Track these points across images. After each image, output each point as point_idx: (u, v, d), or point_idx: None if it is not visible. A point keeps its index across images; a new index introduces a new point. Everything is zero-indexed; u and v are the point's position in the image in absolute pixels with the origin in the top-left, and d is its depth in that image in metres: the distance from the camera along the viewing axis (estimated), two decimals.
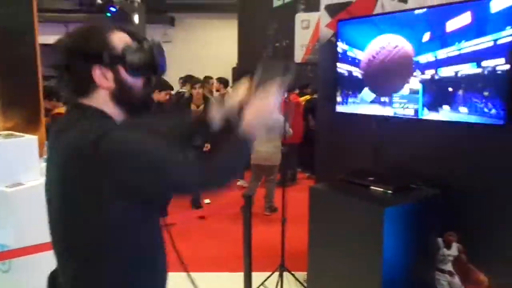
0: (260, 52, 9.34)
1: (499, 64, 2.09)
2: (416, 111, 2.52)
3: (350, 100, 2.95)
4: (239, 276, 2.94)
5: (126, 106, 1.14)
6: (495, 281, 2.36)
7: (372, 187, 2.57)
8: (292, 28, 8.60)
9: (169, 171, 1.07)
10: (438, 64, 2.37)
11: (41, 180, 2.60)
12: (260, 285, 3.30)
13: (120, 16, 11.73)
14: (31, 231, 2.33)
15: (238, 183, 5.69)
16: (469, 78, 2.23)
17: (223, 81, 7.45)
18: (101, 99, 1.11)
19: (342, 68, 2.96)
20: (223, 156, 1.16)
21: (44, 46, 3.67)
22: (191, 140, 1.40)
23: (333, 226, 2.61)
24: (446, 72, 2.33)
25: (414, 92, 2.53)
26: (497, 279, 2.35)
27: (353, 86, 2.92)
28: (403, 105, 2.61)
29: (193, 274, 1.45)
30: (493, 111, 2.16)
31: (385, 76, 2.71)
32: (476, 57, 2.18)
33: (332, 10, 3.26)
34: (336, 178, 2.77)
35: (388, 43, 2.63)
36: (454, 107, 2.33)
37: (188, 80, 6.51)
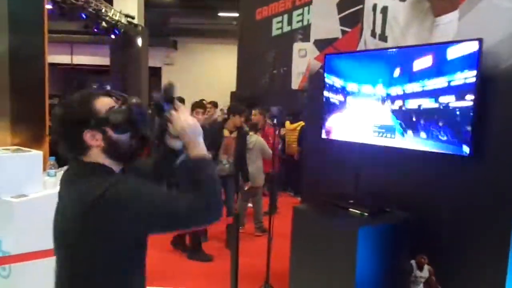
0: (258, 78, 9.65)
1: (468, 100, 2.31)
2: (392, 140, 2.75)
3: (334, 127, 3.18)
4: None
5: (116, 158, 1.32)
6: None
7: (350, 209, 2.77)
8: (290, 56, 8.94)
9: (176, 208, 1.22)
10: (406, 96, 2.61)
11: (43, 192, 2.81)
12: None
13: (123, 39, 12.09)
14: (33, 239, 2.51)
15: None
16: (441, 112, 2.45)
17: (213, 104, 7.75)
18: (96, 156, 1.29)
19: (328, 97, 3.20)
20: (211, 179, 1.29)
21: (50, 65, 3.92)
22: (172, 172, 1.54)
23: (313, 245, 2.79)
24: (414, 104, 2.57)
25: (389, 122, 2.76)
26: None
27: (337, 114, 3.15)
28: (380, 134, 2.84)
29: None
30: (460, 143, 2.38)
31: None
32: (441, 94, 2.42)
33: (320, 44, 3.54)
34: (319, 200, 2.97)
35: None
36: (426, 138, 2.55)
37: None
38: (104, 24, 10.58)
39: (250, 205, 5.51)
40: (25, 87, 3.26)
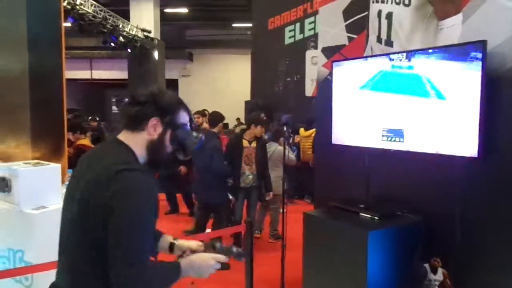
0: (272, 86, 9.73)
1: (474, 102, 2.31)
2: (401, 144, 2.76)
3: (343, 132, 3.21)
4: None
5: (150, 156, 1.41)
6: None
7: (361, 214, 2.79)
8: (303, 64, 9.00)
9: (123, 252, 1.23)
10: (412, 98, 2.63)
11: (62, 204, 2.92)
12: None
13: (140, 53, 12.38)
14: (53, 249, 2.60)
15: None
16: (448, 114, 2.46)
17: (201, 113, 7.69)
18: (139, 141, 1.40)
19: (337, 103, 3.23)
20: (157, 276, 1.34)
21: (71, 81, 4.07)
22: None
23: (324, 250, 2.82)
24: (421, 106, 2.58)
25: (398, 126, 2.77)
26: None
27: (346, 119, 3.18)
28: (389, 138, 2.86)
29: None
30: (468, 145, 2.38)
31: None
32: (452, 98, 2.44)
33: (327, 52, 3.58)
34: (329, 205, 3.00)
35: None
36: (435, 141, 2.56)
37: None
38: (121, 39, 10.87)
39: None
40: (44, 103, 3.40)
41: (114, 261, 1.23)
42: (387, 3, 3.01)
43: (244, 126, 5.36)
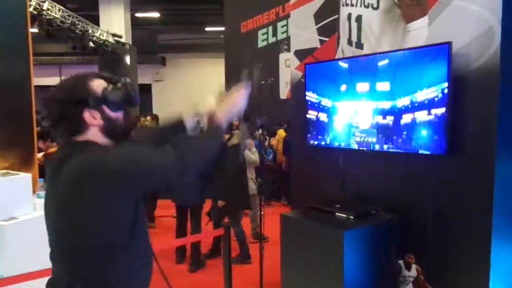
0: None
1: (441, 101, 2.40)
2: (374, 144, 2.82)
3: (317, 134, 3.26)
4: None
5: (113, 136, 1.39)
6: None
7: (336, 214, 2.83)
8: (277, 67, 9.07)
9: (154, 162, 1.30)
10: (383, 98, 2.70)
11: (34, 214, 2.85)
12: None
13: (112, 58, 12.18)
14: (25, 261, 2.54)
15: None
16: (417, 112, 2.54)
17: (154, 117, 7.73)
18: (93, 134, 1.36)
19: (310, 105, 3.27)
20: (197, 141, 1.45)
21: (39, 88, 3.97)
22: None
23: (302, 250, 2.84)
24: (392, 105, 2.66)
25: (372, 127, 2.83)
26: None
27: (320, 121, 3.23)
28: (362, 138, 2.92)
29: None
30: (437, 143, 2.46)
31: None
32: (420, 98, 2.51)
33: (300, 54, 3.63)
34: (305, 206, 3.03)
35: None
36: (405, 140, 2.63)
37: None
38: (91, 44, 10.67)
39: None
40: (13, 112, 3.31)
41: (167, 173, 1.32)
42: (356, 6, 3.08)
43: None
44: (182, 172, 1.33)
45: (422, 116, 2.51)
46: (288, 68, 8.72)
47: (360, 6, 3.04)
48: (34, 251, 2.16)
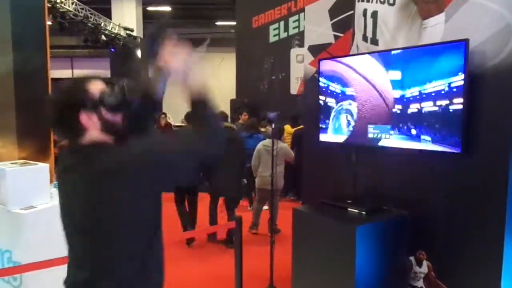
0: (257, 85, 9.76)
1: (457, 99, 2.40)
2: (387, 140, 2.83)
3: (330, 130, 3.27)
4: None
5: (113, 135, 1.39)
6: None
7: (349, 209, 2.85)
8: (288, 62, 9.05)
9: (188, 146, 1.34)
10: (398, 97, 2.70)
11: (51, 203, 2.90)
12: None
13: (123, 52, 12.26)
14: (42, 249, 2.60)
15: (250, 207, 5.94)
16: (432, 111, 2.54)
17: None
18: (95, 135, 1.35)
19: (324, 101, 3.29)
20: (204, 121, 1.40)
21: (52, 80, 4.02)
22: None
23: (313, 245, 2.87)
24: (407, 104, 2.66)
25: (384, 123, 2.84)
26: None
27: (333, 116, 3.24)
28: (376, 134, 2.92)
29: None
30: (452, 141, 2.46)
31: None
32: (435, 96, 2.51)
33: (314, 50, 3.63)
34: (318, 201, 3.05)
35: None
36: (420, 137, 2.63)
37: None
38: (103, 37, 10.75)
39: (266, 207, 5.77)
40: (30, 103, 3.36)
41: (193, 157, 1.34)
42: (372, 2, 3.08)
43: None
44: (207, 140, 1.35)
45: (437, 113, 2.51)
46: (299, 64, 8.77)
47: (376, 2, 3.04)
48: (51, 239, 2.21)
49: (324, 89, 3.29)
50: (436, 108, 2.51)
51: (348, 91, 3.09)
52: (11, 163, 2.90)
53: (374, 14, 3.06)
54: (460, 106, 2.38)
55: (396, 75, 2.73)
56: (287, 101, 8.69)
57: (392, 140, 2.80)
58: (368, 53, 3.02)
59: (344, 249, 2.60)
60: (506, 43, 2.30)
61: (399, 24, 2.89)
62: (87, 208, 1.33)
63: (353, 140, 3.09)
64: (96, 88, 1.37)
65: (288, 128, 7.46)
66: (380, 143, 2.88)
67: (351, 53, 3.28)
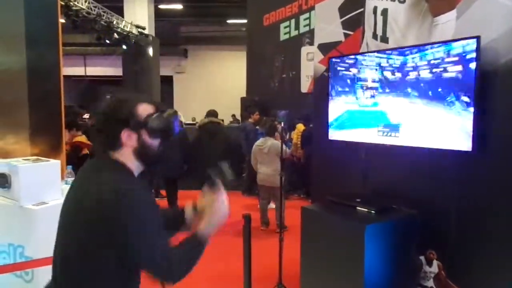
0: (268, 82, 9.76)
1: (468, 97, 2.36)
2: (396, 139, 2.81)
3: (340, 128, 3.25)
4: None
5: (143, 161, 1.44)
6: None
7: (358, 208, 2.84)
8: (298, 60, 9.04)
9: (155, 254, 1.33)
10: (407, 95, 2.68)
11: (62, 199, 2.93)
12: None
13: (135, 50, 12.34)
14: (52, 244, 2.63)
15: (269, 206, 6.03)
16: (443, 109, 2.50)
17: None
18: (126, 155, 1.41)
19: (333, 99, 3.27)
20: (186, 256, 1.45)
21: (65, 77, 4.08)
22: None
23: (322, 243, 2.86)
24: (416, 103, 2.63)
25: (393, 121, 2.82)
26: None
27: (343, 115, 3.23)
28: (385, 133, 2.90)
29: None
30: (464, 139, 2.43)
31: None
32: (442, 90, 2.49)
33: (324, 48, 3.62)
34: (327, 200, 3.04)
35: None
36: (430, 136, 2.60)
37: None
38: (116, 35, 10.84)
39: (273, 206, 5.95)
40: (42, 100, 3.41)
41: (150, 264, 1.35)
42: None
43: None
44: (170, 275, 1.40)
45: (448, 111, 2.48)
46: (310, 62, 8.73)
47: None
48: None
49: (333, 87, 3.27)
50: (447, 105, 2.48)
51: (358, 89, 3.06)
52: (23, 159, 2.94)
53: (384, 12, 3.04)
54: (471, 104, 2.35)
55: (406, 74, 2.70)
56: (298, 99, 8.68)
57: (402, 138, 2.77)
58: (377, 51, 2.99)
59: (353, 248, 2.59)
60: None
61: (409, 22, 2.86)
62: (63, 216, 1.44)
63: (362, 139, 3.07)
64: (144, 110, 1.42)
65: (300, 127, 7.45)
66: (389, 142, 2.86)
67: (361, 51, 3.26)
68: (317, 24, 3.78)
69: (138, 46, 12.43)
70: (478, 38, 2.32)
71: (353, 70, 3.09)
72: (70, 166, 3.25)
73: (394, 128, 2.82)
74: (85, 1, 9.27)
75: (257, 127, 7.58)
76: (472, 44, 2.34)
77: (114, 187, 1.30)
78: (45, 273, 2.70)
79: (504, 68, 2.34)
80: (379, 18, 3.08)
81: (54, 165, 2.94)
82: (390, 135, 2.86)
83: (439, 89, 2.50)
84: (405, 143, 2.75)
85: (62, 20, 8.51)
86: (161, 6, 14.30)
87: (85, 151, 4.82)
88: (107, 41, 10.85)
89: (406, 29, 2.89)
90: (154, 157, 1.45)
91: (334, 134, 3.29)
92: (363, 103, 3.03)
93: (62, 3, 8.24)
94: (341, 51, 3.43)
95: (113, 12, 10.71)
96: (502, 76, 2.36)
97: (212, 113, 6.22)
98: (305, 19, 8.95)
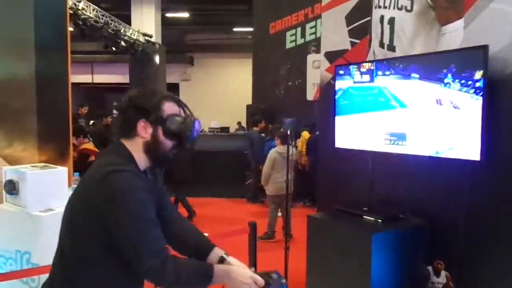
0: (274, 90, 9.77)
1: (476, 107, 2.34)
2: (403, 148, 2.79)
3: (346, 136, 3.24)
4: None
5: (151, 157, 1.42)
6: None
7: (364, 216, 2.82)
8: (304, 68, 9.05)
9: (141, 241, 1.26)
10: (415, 103, 2.66)
11: None
12: None
13: (142, 57, 12.42)
14: None
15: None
16: (451, 118, 2.49)
17: None
18: (136, 145, 1.40)
19: (340, 107, 3.26)
20: (188, 270, 1.34)
21: (73, 85, 4.11)
22: None
23: (328, 252, 2.85)
24: (424, 111, 2.62)
25: (401, 130, 2.81)
26: None
27: (349, 123, 3.22)
28: (392, 141, 2.89)
29: None
30: (472, 149, 2.41)
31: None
32: (450, 100, 2.47)
33: (330, 56, 3.63)
34: (333, 208, 3.03)
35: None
36: (437, 145, 2.59)
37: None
38: (123, 43, 10.92)
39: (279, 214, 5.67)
40: (51, 107, 3.44)
41: (135, 257, 1.27)
42: (389, 8, 3.06)
43: None
44: (159, 275, 1.29)
45: (456, 120, 2.46)
46: (316, 70, 8.74)
47: (394, 8, 3.02)
48: None
49: (340, 95, 3.27)
50: (454, 114, 2.46)
51: (365, 97, 3.06)
52: (31, 166, 2.96)
53: (391, 21, 3.04)
54: (479, 112, 2.33)
55: (412, 80, 2.69)
56: (303, 107, 8.68)
57: (409, 147, 2.75)
58: (384, 59, 2.99)
59: (359, 257, 2.58)
60: None
61: (416, 31, 2.86)
62: (67, 207, 1.42)
63: (368, 147, 3.06)
64: (169, 108, 1.42)
65: (306, 134, 7.45)
66: (396, 151, 2.84)
67: (367, 59, 3.26)
68: (323, 32, 3.79)
69: (145, 54, 12.50)
70: (486, 47, 2.31)
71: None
72: (78, 173, 3.27)
73: (401, 136, 2.81)
74: (93, 10, 9.36)
75: (263, 134, 7.58)
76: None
77: (108, 168, 1.30)
78: None
79: (511, 77, 2.33)
80: (386, 27, 3.08)
81: (61, 172, 2.95)
82: (397, 144, 2.85)
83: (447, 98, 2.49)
84: (412, 151, 2.74)
85: (70, 29, 8.63)
86: (168, 14, 14.40)
87: (92, 158, 4.83)
88: (114, 49, 10.92)
89: (413, 38, 2.89)
90: (162, 157, 1.43)
91: (342, 143, 3.28)
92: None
93: (71, 11, 8.33)
94: (347, 59, 3.43)
95: (121, 21, 10.79)
96: (510, 85, 2.35)
97: None
98: (311, 27, 8.98)
